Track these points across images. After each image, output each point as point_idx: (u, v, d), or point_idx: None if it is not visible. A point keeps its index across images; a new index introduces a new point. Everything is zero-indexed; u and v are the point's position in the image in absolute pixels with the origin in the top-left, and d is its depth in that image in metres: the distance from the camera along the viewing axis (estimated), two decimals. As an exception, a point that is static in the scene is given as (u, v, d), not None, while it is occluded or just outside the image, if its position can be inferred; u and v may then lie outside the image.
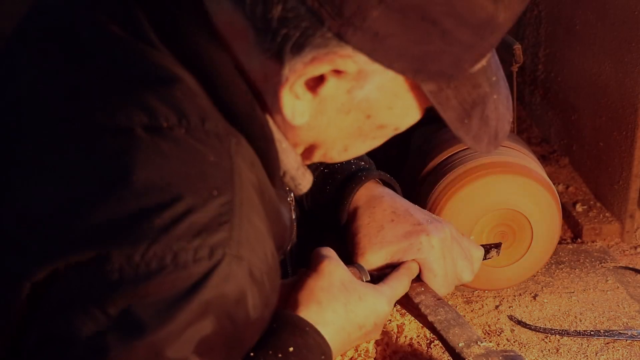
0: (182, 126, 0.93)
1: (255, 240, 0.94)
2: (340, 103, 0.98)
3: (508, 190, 1.51)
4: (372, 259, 1.29)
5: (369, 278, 1.26)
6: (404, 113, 1.01)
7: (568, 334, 1.45)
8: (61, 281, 0.88)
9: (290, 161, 1.06)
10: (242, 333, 0.95)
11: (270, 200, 1.02)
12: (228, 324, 0.92)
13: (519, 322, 1.49)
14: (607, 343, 1.43)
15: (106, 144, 0.91)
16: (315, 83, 0.96)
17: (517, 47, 1.64)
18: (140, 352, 0.86)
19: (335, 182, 1.37)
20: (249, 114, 0.98)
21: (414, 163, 1.66)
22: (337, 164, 1.38)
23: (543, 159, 2.06)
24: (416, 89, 0.98)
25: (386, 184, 1.40)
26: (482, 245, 1.41)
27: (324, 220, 1.38)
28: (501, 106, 1.03)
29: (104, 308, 0.87)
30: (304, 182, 1.09)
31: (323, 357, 1.07)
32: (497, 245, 1.47)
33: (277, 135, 1.02)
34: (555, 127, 2.13)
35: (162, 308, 0.87)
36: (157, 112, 0.92)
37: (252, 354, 1.00)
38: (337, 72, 0.94)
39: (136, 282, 0.87)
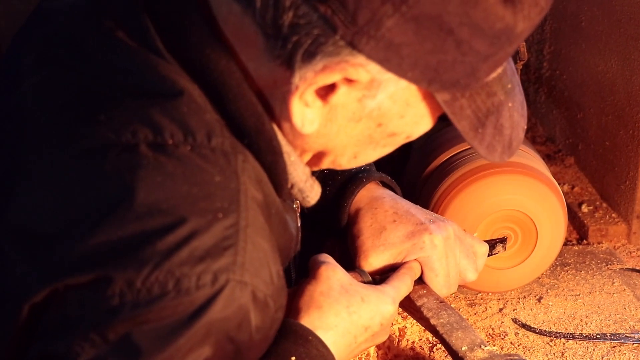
0: (187, 143, 0.93)
1: (259, 263, 0.94)
2: (351, 111, 0.98)
3: (512, 190, 1.51)
4: (375, 262, 1.29)
5: (370, 281, 1.26)
6: (417, 121, 1.01)
7: (573, 337, 1.46)
8: (60, 303, 0.88)
9: (299, 174, 1.06)
10: (245, 354, 0.95)
11: (277, 213, 1.03)
12: (230, 348, 0.93)
13: (524, 326, 1.49)
14: (614, 347, 1.43)
15: (110, 162, 0.91)
16: (326, 91, 0.96)
17: (522, 44, 1.64)
18: None
19: (336, 183, 1.37)
20: (258, 128, 0.97)
21: (416, 163, 1.66)
22: None
23: (548, 158, 2.07)
24: (429, 97, 0.98)
25: (386, 185, 1.40)
26: (487, 241, 1.41)
27: (324, 222, 1.38)
28: (516, 114, 1.03)
29: (103, 334, 0.87)
30: (312, 194, 1.09)
31: None
32: (503, 240, 1.47)
33: (285, 147, 1.02)
34: (560, 126, 2.13)
35: (162, 334, 0.88)
36: (163, 129, 0.92)
37: None
38: (349, 80, 0.94)
39: (137, 308, 0.87)
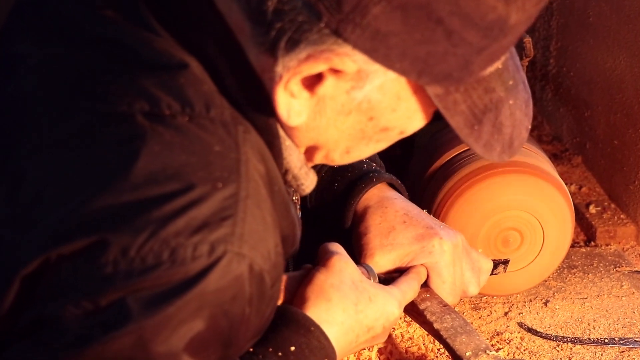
0: (185, 114, 0.93)
1: (258, 236, 0.94)
2: (340, 104, 0.98)
3: (518, 191, 1.51)
4: (381, 261, 1.30)
5: (377, 280, 1.26)
6: (409, 116, 1.00)
7: (581, 342, 1.45)
8: (52, 272, 0.89)
9: (294, 159, 1.05)
10: (238, 330, 0.95)
11: (280, 192, 1.02)
12: (224, 323, 0.93)
13: (530, 330, 1.49)
14: (622, 352, 1.43)
15: (106, 133, 0.92)
16: (313, 81, 0.95)
17: (527, 40, 1.64)
18: (126, 341, 0.88)
19: (345, 180, 1.37)
20: (254, 106, 0.98)
21: (419, 162, 1.66)
22: None
23: (555, 158, 2.06)
24: (421, 91, 0.97)
25: (394, 188, 1.40)
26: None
27: (328, 219, 1.38)
28: (518, 112, 1.02)
29: (95, 301, 0.88)
30: (307, 182, 1.09)
31: None
32: (505, 262, 1.47)
33: (280, 131, 1.02)
34: (567, 125, 2.13)
35: (154, 301, 0.88)
36: (159, 100, 0.93)
37: (251, 349, 1.01)
38: (336, 70, 0.94)
39: (130, 277, 0.88)
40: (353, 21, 0.89)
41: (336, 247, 1.19)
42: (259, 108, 0.98)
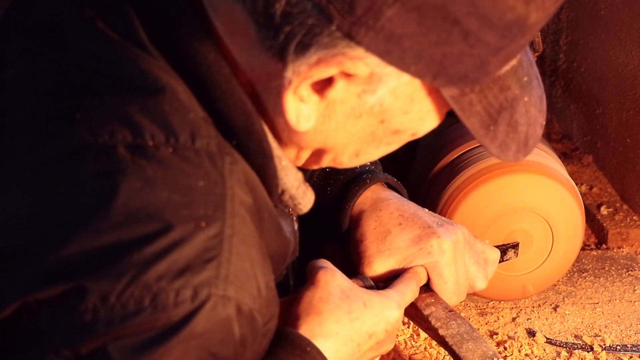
0: (169, 145, 0.92)
1: (245, 275, 0.93)
2: (350, 107, 0.97)
3: (526, 191, 1.51)
4: (380, 268, 1.30)
5: (374, 288, 1.26)
6: (422, 118, 1.00)
7: (592, 349, 1.45)
8: (31, 317, 0.89)
9: (290, 179, 1.05)
10: None
11: (270, 217, 1.03)
12: None
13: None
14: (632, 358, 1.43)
15: (86, 166, 0.91)
16: (323, 85, 0.95)
17: (536, 34, 1.64)
18: None
19: (338, 183, 1.37)
20: (247, 128, 0.97)
21: (423, 162, 1.66)
22: None
23: (564, 157, 2.07)
24: (435, 92, 0.97)
25: (392, 187, 1.40)
26: (498, 247, 1.41)
27: (324, 224, 1.37)
28: (533, 109, 1.02)
29: (75, 349, 0.88)
30: (305, 201, 1.09)
31: None
32: (515, 246, 1.47)
33: (276, 151, 1.02)
34: (577, 122, 2.13)
35: (136, 348, 0.88)
36: (143, 129, 0.92)
37: None
38: (347, 74, 0.93)
39: (111, 324, 0.87)
40: (366, 24, 0.89)
41: (322, 263, 1.20)
42: (252, 132, 0.98)
